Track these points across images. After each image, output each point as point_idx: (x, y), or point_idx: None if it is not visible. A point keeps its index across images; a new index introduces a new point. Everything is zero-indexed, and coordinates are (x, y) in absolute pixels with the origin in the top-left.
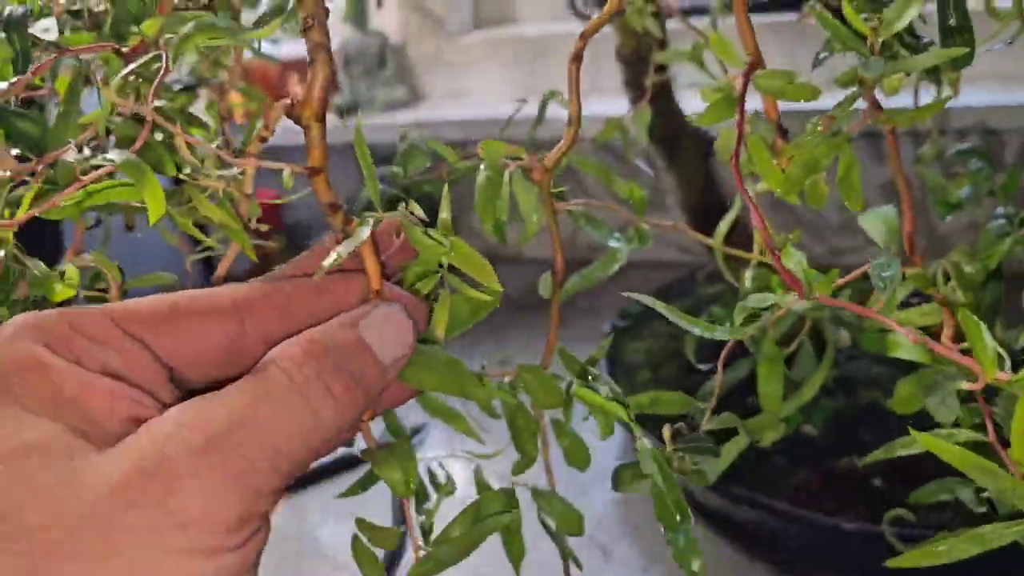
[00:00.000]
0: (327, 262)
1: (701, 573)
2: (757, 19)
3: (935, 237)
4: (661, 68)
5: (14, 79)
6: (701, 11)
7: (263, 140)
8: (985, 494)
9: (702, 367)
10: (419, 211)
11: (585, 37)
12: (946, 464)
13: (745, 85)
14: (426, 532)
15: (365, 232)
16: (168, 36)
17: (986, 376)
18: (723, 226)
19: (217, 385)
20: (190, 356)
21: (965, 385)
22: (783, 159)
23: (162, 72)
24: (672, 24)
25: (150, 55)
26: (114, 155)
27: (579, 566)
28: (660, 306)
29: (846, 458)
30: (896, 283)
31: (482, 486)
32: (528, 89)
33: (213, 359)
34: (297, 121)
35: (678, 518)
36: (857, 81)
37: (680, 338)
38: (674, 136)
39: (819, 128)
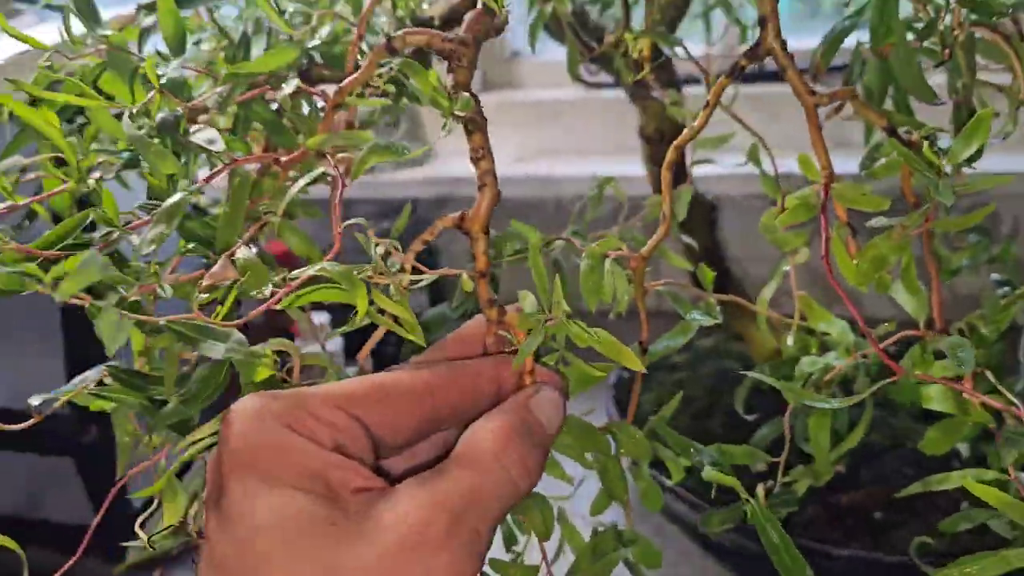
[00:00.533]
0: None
1: None
2: (749, 90)
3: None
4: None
5: (190, 187)
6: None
7: (425, 243)
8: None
9: (748, 417)
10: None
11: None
12: (939, 499)
13: (826, 195)
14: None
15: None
16: (340, 153)
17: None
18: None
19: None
20: (392, 429)
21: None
22: (856, 255)
23: (340, 188)
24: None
25: (317, 171)
26: (328, 265)
27: None
28: (763, 374)
29: (847, 494)
30: (972, 363)
31: (565, 526)
32: (533, 149)
33: (409, 431)
34: (466, 233)
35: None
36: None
37: (687, 385)
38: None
39: (893, 237)
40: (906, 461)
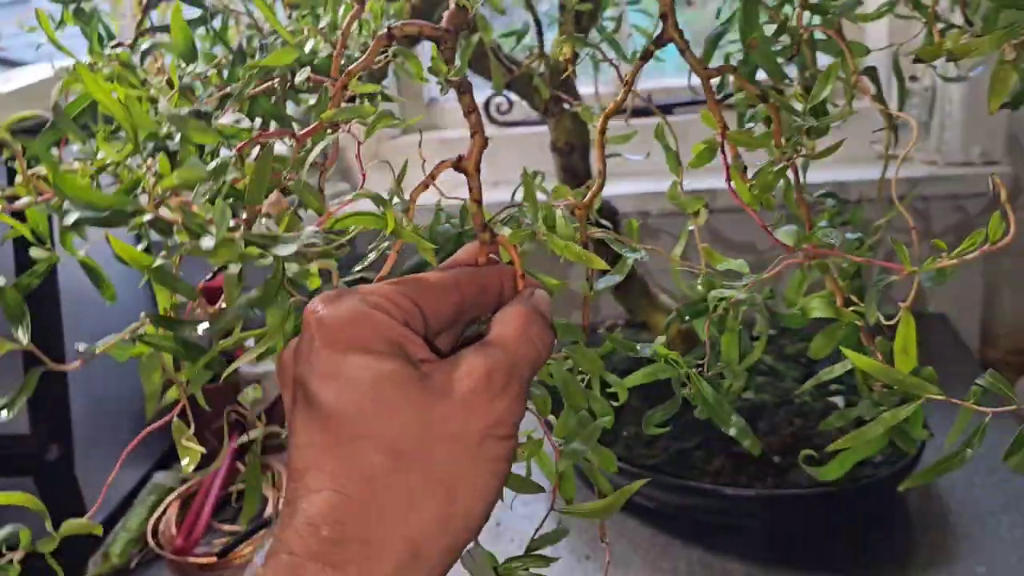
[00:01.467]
0: None
1: None
2: (641, 122)
3: None
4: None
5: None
6: None
7: (426, 186)
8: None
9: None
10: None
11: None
12: (820, 443)
13: (723, 138)
14: None
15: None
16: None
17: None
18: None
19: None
20: (436, 315)
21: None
22: (749, 182)
23: (359, 145)
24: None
25: (331, 136)
26: (362, 191)
27: None
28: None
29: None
30: (840, 238)
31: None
32: (450, 183)
33: (446, 317)
34: (462, 171)
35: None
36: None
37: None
38: None
39: (771, 167)
40: (793, 414)
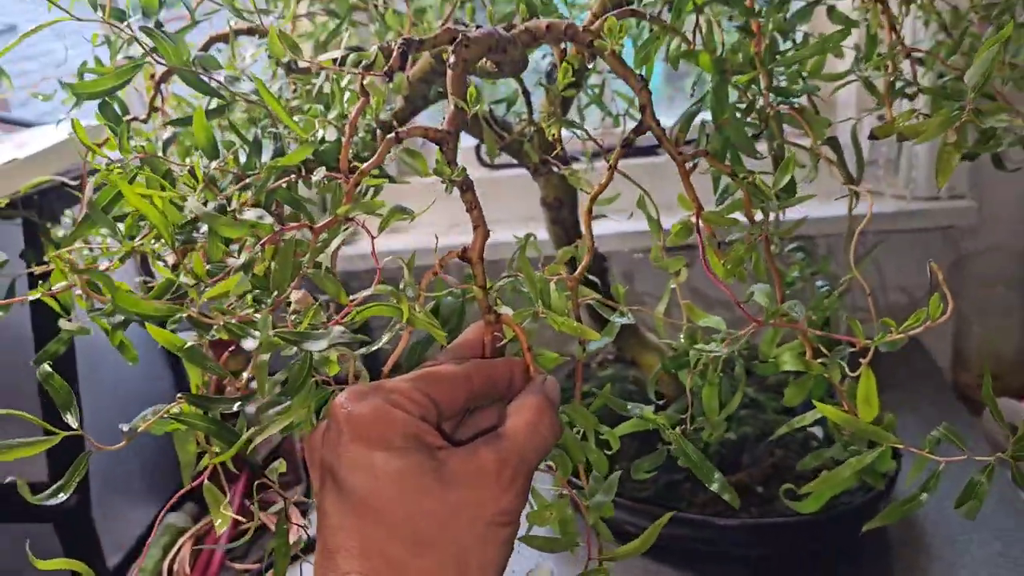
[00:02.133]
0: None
1: None
2: (631, 161)
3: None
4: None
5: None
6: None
7: (435, 274)
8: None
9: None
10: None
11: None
12: (803, 475)
13: (698, 219)
14: None
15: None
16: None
17: (860, 341)
18: (662, 305)
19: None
20: (450, 405)
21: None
22: (723, 259)
23: (372, 239)
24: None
25: (348, 230)
26: (378, 287)
27: None
28: (668, 364)
29: (734, 475)
30: (802, 313)
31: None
32: (447, 224)
33: (458, 406)
34: (467, 261)
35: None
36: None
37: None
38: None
39: (743, 244)
40: (774, 445)
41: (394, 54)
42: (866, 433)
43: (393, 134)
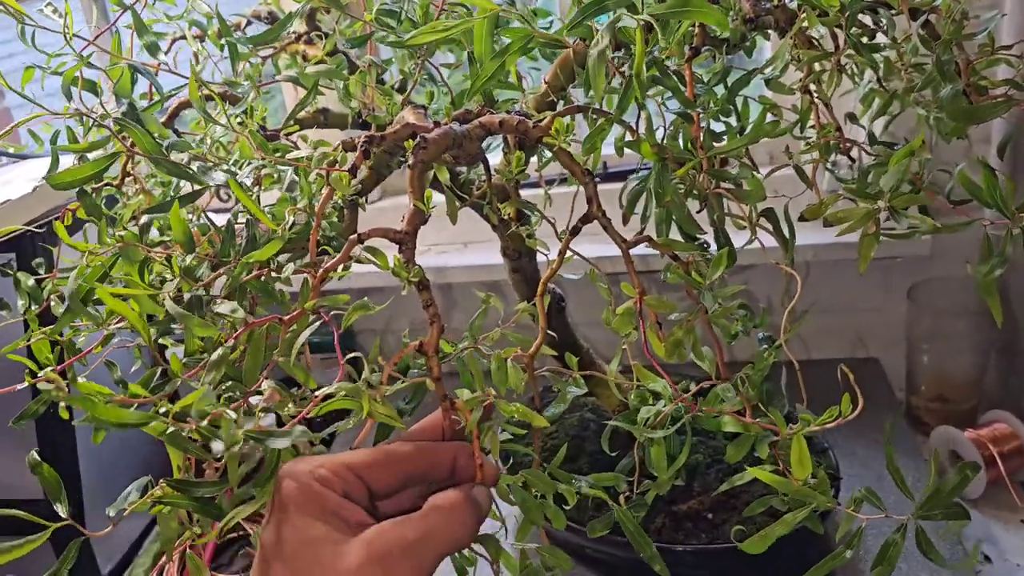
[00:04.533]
0: None
1: None
2: (601, 187)
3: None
4: (530, 255)
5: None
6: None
7: (395, 364)
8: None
9: (611, 454)
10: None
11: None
12: (752, 499)
13: (640, 304)
14: None
15: (477, 415)
16: (330, 309)
17: (781, 432)
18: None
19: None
20: (382, 484)
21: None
22: (664, 339)
23: (337, 332)
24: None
25: (316, 323)
26: (339, 384)
27: None
28: (620, 421)
29: (686, 503)
30: (731, 398)
31: (503, 554)
32: (426, 244)
33: (392, 486)
34: (424, 354)
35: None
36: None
37: (558, 435)
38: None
39: (684, 326)
40: (726, 472)
41: (357, 152)
42: (799, 495)
43: (356, 235)
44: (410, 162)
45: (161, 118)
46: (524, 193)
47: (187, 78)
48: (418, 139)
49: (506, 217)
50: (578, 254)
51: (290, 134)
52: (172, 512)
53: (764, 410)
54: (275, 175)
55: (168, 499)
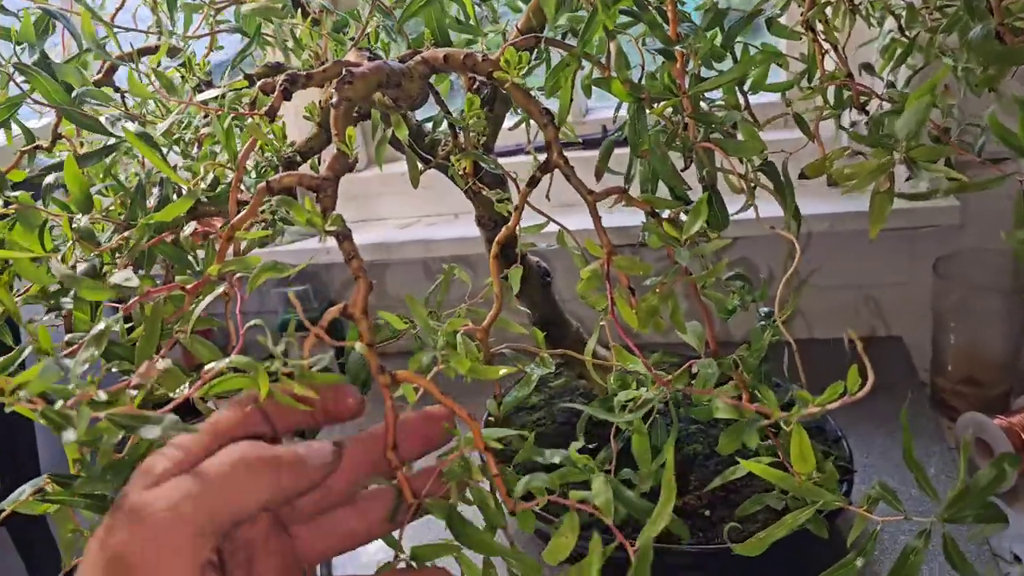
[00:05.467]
0: None
1: None
2: (571, 154)
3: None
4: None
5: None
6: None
7: (318, 336)
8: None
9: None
10: None
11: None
12: (748, 493)
13: (608, 265)
14: None
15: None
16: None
17: (774, 415)
18: (591, 343)
19: None
20: None
21: (764, 422)
22: (635, 307)
23: (239, 301)
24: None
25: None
26: (235, 358)
27: None
28: (592, 409)
29: (681, 498)
30: (715, 376)
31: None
32: (419, 213)
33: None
34: (350, 317)
35: None
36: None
37: (545, 422)
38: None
39: (657, 290)
40: (725, 464)
41: (276, 92)
42: (803, 492)
43: (264, 183)
44: (333, 100)
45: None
46: (507, 162)
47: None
48: (343, 73)
49: (462, 173)
50: (543, 213)
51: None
52: (65, 511)
53: (759, 394)
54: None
55: (54, 497)
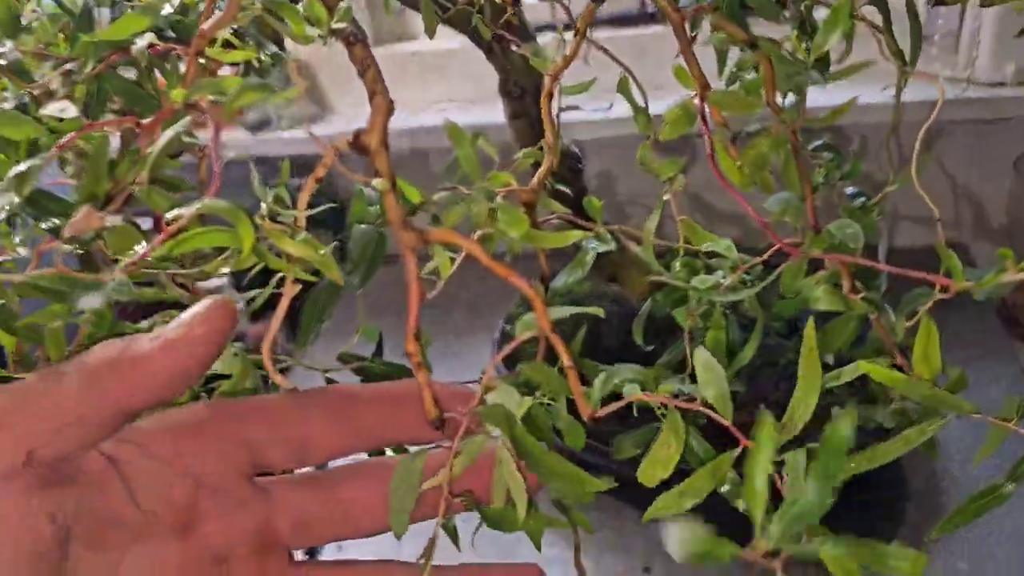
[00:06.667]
0: None
1: None
2: (605, 33)
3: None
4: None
5: (44, 155)
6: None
7: (318, 180)
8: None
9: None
10: None
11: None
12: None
13: (703, 101)
14: None
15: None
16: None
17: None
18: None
19: None
20: None
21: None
22: (739, 156)
23: (217, 129)
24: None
25: (184, 120)
26: (208, 201)
27: None
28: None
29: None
30: (860, 238)
31: None
32: (426, 100)
33: None
34: (363, 151)
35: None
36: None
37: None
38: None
39: (768, 137)
40: (781, 377)
41: None
42: (932, 400)
43: None
44: None
45: None
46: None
47: None
48: None
49: (502, 34)
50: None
51: None
52: None
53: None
54: None
55: None
